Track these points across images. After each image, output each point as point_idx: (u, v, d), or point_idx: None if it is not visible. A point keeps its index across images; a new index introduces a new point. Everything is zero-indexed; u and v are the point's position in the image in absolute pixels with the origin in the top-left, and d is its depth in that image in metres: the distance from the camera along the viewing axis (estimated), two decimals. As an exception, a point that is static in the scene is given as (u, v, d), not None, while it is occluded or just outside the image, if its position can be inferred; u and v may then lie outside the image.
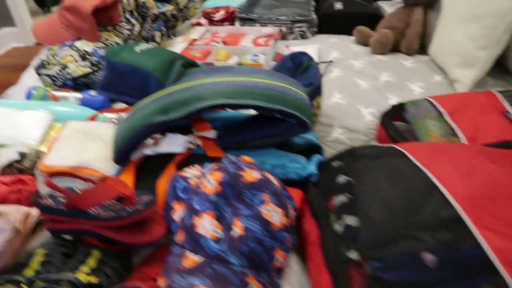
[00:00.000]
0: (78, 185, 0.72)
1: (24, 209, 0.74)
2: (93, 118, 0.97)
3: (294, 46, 1.45)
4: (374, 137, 1.00)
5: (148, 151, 0.75)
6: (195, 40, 1.36)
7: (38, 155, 0.87)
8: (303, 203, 0.70)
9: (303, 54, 1.00)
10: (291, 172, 0.73)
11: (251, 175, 0.60)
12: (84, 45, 1.11)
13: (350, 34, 1.54)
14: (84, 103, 1.07)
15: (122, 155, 0.73)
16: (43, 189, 0.76)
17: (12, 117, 0.96)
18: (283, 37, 1.54)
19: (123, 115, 1.04)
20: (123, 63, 0.85)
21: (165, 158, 0.75)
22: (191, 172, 0.67)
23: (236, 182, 0.59)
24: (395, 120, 0.94)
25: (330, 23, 1.58)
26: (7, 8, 3.41)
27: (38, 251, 0.64)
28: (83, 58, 1.09)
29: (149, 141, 0.76)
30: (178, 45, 1.29)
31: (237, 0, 1.76)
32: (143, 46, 0.88)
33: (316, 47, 1.43)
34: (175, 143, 0.74)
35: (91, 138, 0.82)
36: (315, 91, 0.90)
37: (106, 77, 0.87)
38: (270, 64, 1.23)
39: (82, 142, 0.81)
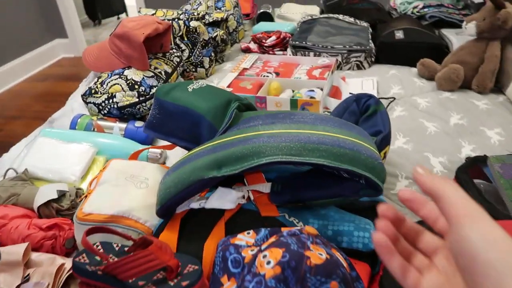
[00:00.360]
0: (117, 240, 0.66)
1: (58, 261, 0.68)
2: (137, 154, 0.91)
3: (350, 78, 1.35)
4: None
5: (195, 205, 0.67)
6: (246, 69, 1.29)
7: (78, 194, 0.81)
8: (370, 283, 0.59)
9: (370, 96, 0.89)
10: (358, 242, 0.63)
11: (317, 255, 0.50)
12: (133, 74, 1.06)
13: (410, 65, 1.42)
14: (128, 134, 1.02)
15: (166, 209, 0.65)
16: (79, 237, 0.70)
17: (57, 149, 0.92)
18: (338, 66, 1.44)
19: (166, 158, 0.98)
20: (174, 103, 0.77)
21: (213, 212, 0.67)
22: (245, 239, 0.58)
23: (299, 265, 0.49)
24: (474, 177, 0.82)
25: (389, 53, 1.47)
26: (61, 20, 3.53)
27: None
28: (131, 88, 1.04)
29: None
30: (228, 75, 1.22)
31: (288, 25, 1.69)
32: (196, 84, 0.81)
33: (374, 80, 1.32)
34: (226, 199, 0.66)
35: (134, 183, 0.75)
36: (384, 141, 0.80)
37: (154, 116, 0.80)
38: (326, 101, 1.13)
39: (123, 187, 0.74)
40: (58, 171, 0.88)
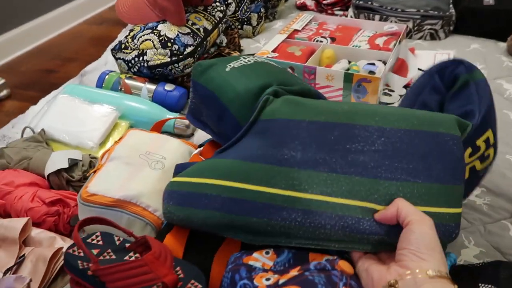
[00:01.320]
0: (119, 232, 0.57)
1: (58, 243, 0.61)
2: (161, 124, 0.81)
3: (421, 49, 1.14)
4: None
5: None
6: (297, 31, 1.12)
7: (92, 164, 0.73)
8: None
9: (458, 63, 0.60)
10: None
11: (351, 305, 0.38)
12: (167, 30, 0.94)
13: (498, 38, 1.18)
14: (157, 97, 0.92)
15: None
16: (83, 217, 0.62)
17: (77, 110, 0.84)
18: (407, 35, 1.22)
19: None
20: (205, 86, 0.61)
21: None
22: (261, 260, 0.47)
23: (325, 317, 0.37)
24: None
25: (473, 22, 1.22)
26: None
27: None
28: (164, 45, 0.92)
29: None
30: (275, 37, 1.06)
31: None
32: (240, 61, 0.63)
33: (450, 54, 1.10)
34: None
35: (149, 162, 0.65)
36: (481, 127, 0.54)
37: (191, 100, 0.66)
38: (388, 78, 0.95)
39: (136, 166, 0.64)
40: (75, 135, 0.80)
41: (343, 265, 0.42)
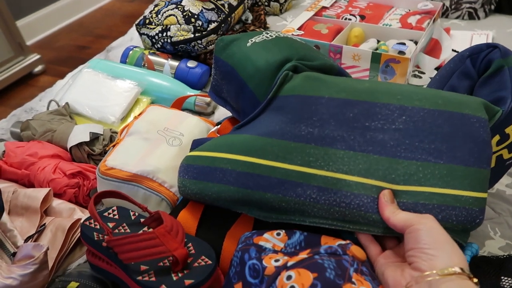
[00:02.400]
0: (134, 207, 0.57)
1: (77, 214, 0.63)
2: (182, 100, 0.80)
3: (457, 30, 1.07)
4: None
5: None
6: (325, 8, 1.08)
7: (113, 138, 0.74)
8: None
9: (492, 47, 0.55)
10: None
11: (360, 291, 0.37)
12: (191, 5, 0.92)
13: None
14: (179, 74, 0.91)
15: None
16: (101, 190, 0.63)
17: (100, 85, 0.84)
18: (443, 14, 1.16)
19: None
20: (225, 62, 0.60)
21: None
22: (272, 241, 0.46)
23: (332, 302, 0.36)
24: None
25: (516, 0, 1.14)
26: None
27: (72, 285, 0.52)
28: (187, 21, 0.90)
29: None
30: (301, 14, 1.03)
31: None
32: (263, 36, 0.61)
33: (489, 35, 1.04)
34: None
35: (167, 138, 0.65)
36: (510, 114, 0.50)
37: (213, 76, 0.65)
38: (418, 58, 0.90)
39: (154, 141, 0.64)
40: (98, 109, 0.81)
41: (355, 250, 0.40)
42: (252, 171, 0.47)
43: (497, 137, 0.50)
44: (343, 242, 0.44)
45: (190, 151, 0.56)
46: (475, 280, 0.37)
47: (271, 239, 0.46)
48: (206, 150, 0.52)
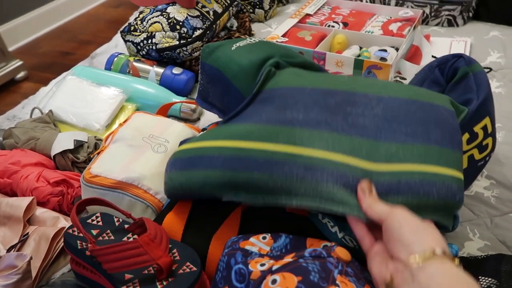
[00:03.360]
0: (118, 214, 0.57)
1: (61, 223, 0.62)
2: (167, 107, 0.80)
3: (437, 37, 1.10)
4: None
5: None
6: (309, 15, 1.09)
7: (97, 146, 0.74)
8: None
9: (457, 57, 0.64)
10: None
11: (343, 293, 0.37)
12: (176, 12, 0.93)
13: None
14: (164, 81, 0.91)
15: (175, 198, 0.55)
16: (85, 197, 0.63)
17: (84, 92, 0.84)
18: (423, 21, 1.19)
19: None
20: (212, 65, 0.62)
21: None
22: (258, 245, 0.46)
23: (316, 306, 0.37)
24: None
25: (494, 7, 1.17)
26: None
27: (55, 293, 0.51)
28: (172, 28, 0.91)
29: None
30: (285, 21, 1.04)
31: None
32: (246, 41, 0.63)
33: (467, 41, 1.07)
34: None
35: (152, 145, 0.65)
36: (478, 113, 0.56)
37: (200, 82, 0.67)
38: (400, 65, 0.92)
39: (139, 148, 0.64)
40: (82, 117, 0.81)
41: (340, 252, 0.41)
42: (238, 154, 0.47)
43: (466, 135, 0.54)
44: (328, 244, 0.45)
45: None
46: (457, 261, 0.36)
47: (257, 243, 0.47)
48: (192, 141, 0.54)
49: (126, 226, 0.54)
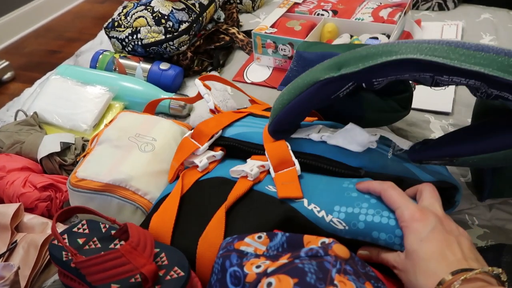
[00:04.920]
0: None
1: (49, 229, 0.60)
2: (154, 104, 0.78)
3: (428, 21, 1.09)
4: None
5: (315, 137, 0.56)
6: (297, 4, 1.07)
7: (85, 147, 0.72)
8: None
9: None
10: (402, 244, 0.46)
11: (342, 294, 0.36)
12: (161, 6, 0.90)
13: (511, 8, 1.12)
14: (151, 77, 0.89)
15: (279, 124, 0.55)
16: (73, 204, 0.61)
17: (69, 92, 0.81)
18: (414, 5, 1.17)
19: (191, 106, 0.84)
20: (315, 52, 0.72)
21: (219, 189, 0.54)
22: (254, 245, 0.45)
23: (314, 308, 0.35)
24: None
25: (484, -10, 1.15)
26: None
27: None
28: (157, 22, 0.88)
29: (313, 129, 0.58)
30: (274, 11, 1.02)
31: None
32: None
33: (459, 25, 1.05)
34: (354, 140, 0.53)
35: (138, 144, 0.63)
36: None
37: (291, 69, 0.74)
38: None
39: (125, 149, 0.62)
40: (68, 117, 0.78)
41: (337, 249, 0.40)
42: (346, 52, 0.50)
43: None
44: (326, 240, 0.43)
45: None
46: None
47: (253, 243, 0.45)
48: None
49: (113, 232, 0.52)
